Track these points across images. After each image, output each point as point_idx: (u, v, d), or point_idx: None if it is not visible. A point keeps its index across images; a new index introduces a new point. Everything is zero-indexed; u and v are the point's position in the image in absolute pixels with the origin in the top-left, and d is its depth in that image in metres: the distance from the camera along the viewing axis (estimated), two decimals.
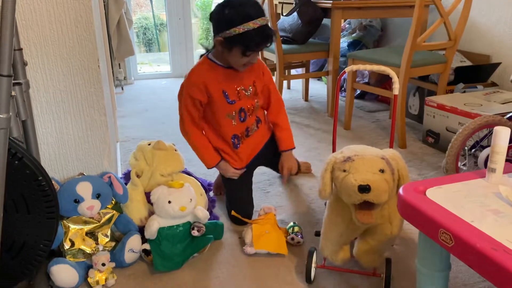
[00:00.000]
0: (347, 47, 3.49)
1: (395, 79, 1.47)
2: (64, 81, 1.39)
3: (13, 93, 0.96)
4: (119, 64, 3.62)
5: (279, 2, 3.36)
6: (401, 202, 0.92)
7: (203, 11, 6.63)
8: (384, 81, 3.19)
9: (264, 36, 1.44)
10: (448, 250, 0.78)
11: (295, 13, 2.90)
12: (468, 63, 2.64)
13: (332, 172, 1.21)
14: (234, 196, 1.75)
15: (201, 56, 1.68)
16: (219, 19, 1.47)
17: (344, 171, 1.17)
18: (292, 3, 3.03)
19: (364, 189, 1.10)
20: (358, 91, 3.33)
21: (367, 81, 3.29)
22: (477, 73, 2.58)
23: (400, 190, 0.93)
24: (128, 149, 2.45)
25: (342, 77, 3.50)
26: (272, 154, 1.82)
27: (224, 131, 1.67)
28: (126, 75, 3.86)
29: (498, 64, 2.54)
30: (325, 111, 3.11)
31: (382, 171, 1.14)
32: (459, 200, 0.87)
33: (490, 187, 0.95)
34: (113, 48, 3.26)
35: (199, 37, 6.79)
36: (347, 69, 1.51)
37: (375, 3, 2.79)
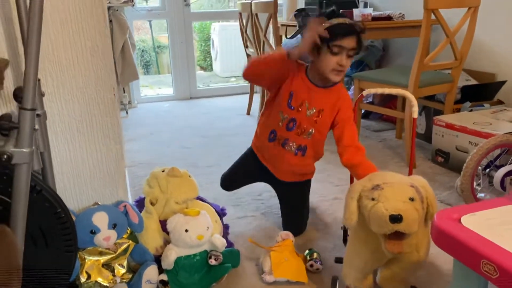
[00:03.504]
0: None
1: (414, 102, 1.45)
2: (79, 111, 1.37)
3: (36, 127, 0.94)
4: (124, 88, 3.62)
5: (282, 25, 3.39)
6: (436, 231, 0.90)
7: (200, 34, 6.71)
8: (388, 100, 3.20)
9: (349, 29, 1.48)
10: (492, 281, 0.76)
11: (298, 36, 2.92)
12: (473, 81, 2.66)
13: (359, 200, 1.19)
14: (233, 167, 1.90)
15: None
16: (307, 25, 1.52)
17: (373, 199, 1.14)
18: (295, 26, 3.05)
19: (396, 219, 1.07)
20: (363, 111, 3.34)
21: (371, 100, 3.30)
22: (483, 91, 2.59)
23: (434, 218, 0.91)
24: (136, 174, 2.42)
25: None
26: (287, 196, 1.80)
27: (270, 122, 1.70)
28: (131, 99, 3.85)
29: (503, 82, 2.55)
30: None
31: (412, 199, 1.11)
32: (496, 228, 0.86)
33: None
34: (117, 72, 3.26)
35: (197, 58, 6.86)
36: (365, 93, 1.51)
37: (378, 24, 2.82)
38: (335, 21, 1.48)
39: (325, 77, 1.55)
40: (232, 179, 1.91)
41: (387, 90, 1.45)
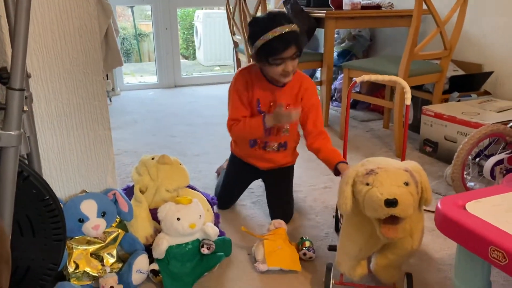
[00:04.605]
0: (336, 57, 3.49)
1: (407, 88, 1.46)
2: (67, 94, 1.31)
3: (25, 108, 0.89)
4: (107, 75, 3.53)
5: None
6: (441, 218, 0.88)
7: (183, 21, 6.60)
8: (375, 90, 3.20)
9: (283, 41, 1.46)
10: (501, 268, 0.75)
11: None
12: (460, 72, 2.67)
13: (353, 186, 1.18)
14: (223, 182, 1.88)
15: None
16: (249, 38, 1.56)
17: (367, 184, 1.13)
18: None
19: (391, 203, 1.06)
20: (351, 100, 3.33)
21: (358, 90, 3.29)
22: (470, 82, 2.61)
23: (438, 205, 0.90)
24: (121, 162, 2.36)
25: (333, 87, 3.52)
26: (277, 184, 1.80)
27: None
28: (114, 86, 3.76)
29: (490, 73, 2.57)
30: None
31: (406, 183, 1.11)
32: (502, 214, 0.85)
33: None
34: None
35: (179, 46, 6.75)
36: (358, 80, 1.49)
37: (367, 13, 2.80)
38: (269, 35, 1.46)
39: (277, 80, 1.60)
40: (229, 194, 1.88)
41: (380, 77, 1.43)
